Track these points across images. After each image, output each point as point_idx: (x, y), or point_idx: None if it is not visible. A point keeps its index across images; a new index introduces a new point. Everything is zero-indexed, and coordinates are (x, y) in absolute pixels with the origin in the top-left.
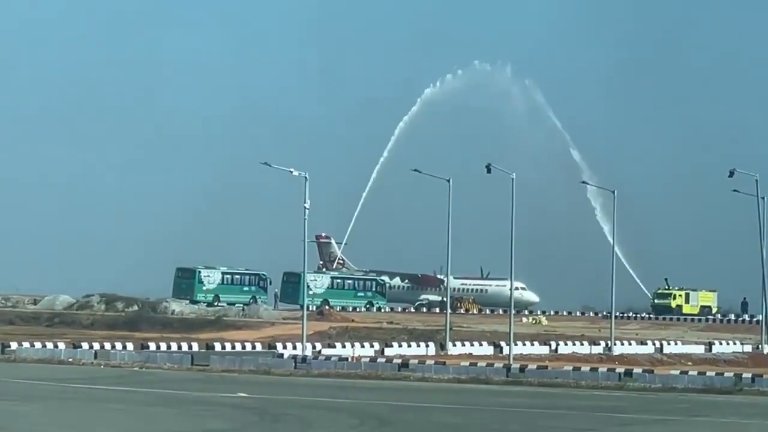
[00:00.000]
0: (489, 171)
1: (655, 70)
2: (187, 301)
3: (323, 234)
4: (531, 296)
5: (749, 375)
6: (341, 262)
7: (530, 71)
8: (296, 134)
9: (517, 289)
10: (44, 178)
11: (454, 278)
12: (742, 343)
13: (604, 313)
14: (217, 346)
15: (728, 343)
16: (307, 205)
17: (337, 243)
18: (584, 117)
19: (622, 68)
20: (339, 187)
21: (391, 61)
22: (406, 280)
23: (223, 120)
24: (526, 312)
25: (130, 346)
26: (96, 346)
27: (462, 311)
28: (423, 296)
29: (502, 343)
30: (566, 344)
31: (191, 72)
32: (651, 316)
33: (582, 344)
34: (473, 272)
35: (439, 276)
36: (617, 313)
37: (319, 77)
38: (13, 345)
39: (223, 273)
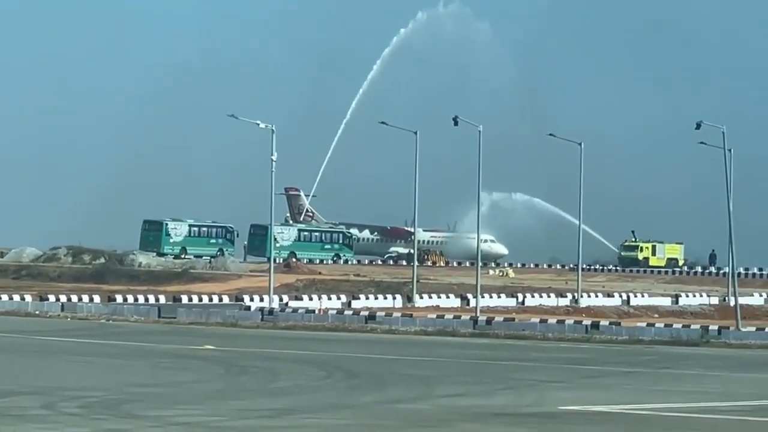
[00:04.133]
0: (456, 123)
1: (623, 20)
2: (154, 254)
3: (292, 186)
4: (500, 248)
5: (716, 327)
6: (310, 214)
7: (496, 18)
8: (263, 85)
9: (486, 241)
10: (9, 129)
11: (423, 231)
12: (708, 296)
13: (571, 266)
14: (184, 299)
15: (695, 296)
16: (274, 158)
17: (306, 195)
18: (550, 66)
19: (590, 18)
20: (309, 139)
21: (360, 8)
22: (376, 233)
23: (187, 70)
24: (493, 264)
25: (97, 298)
26: (63, 298)
27: (429, 264)
28: (392, 248)
29: (469, 296)
30: (533, 296)
31: (152, 22)
32: (618, 268)
33: (549, 296)
34: (447, 224)
35: (408, 228)
36: (584, 266)
37: (284, 27)
38: None
39: (190, 225)
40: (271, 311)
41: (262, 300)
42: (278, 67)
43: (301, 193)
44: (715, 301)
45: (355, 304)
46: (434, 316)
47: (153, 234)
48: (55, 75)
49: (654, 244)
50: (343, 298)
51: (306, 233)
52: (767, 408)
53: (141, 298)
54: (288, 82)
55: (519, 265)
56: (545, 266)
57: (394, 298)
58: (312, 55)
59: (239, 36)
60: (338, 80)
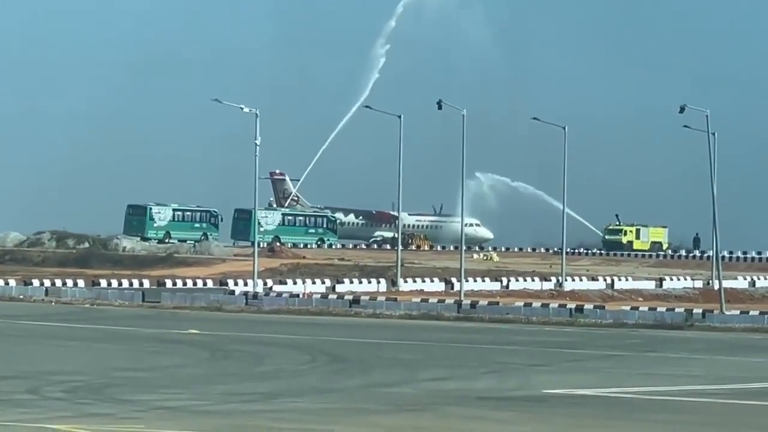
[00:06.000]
0: (440, 107)
1: (608, 4)
2: (138, 238)
3: (277, 171)
4: (485, 233)
5: (700, 310)
6: (295, 199)
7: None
8: (248, 69)
9: (471, 225)
10: None
11: (409, 215)
12: (692, 279)
13: (555, 249)
14: (168, 283)
15: (679, 279)
16: (257, 142)
17: (291, 180)
18: (534, 50)
19: (575, 1)
20: (293, 123)
21: None
22: (361, 217)
23: (170, 55)
24: (477, 248)
25: (81, 283)
26: (47, 283)
27: (413, 248)
28: (377, 233)
29: (453, 280)
30: (517, 280)
31: (135, 4)
32: (602, 252)
33: (533, 280)
34: (432, 207)
35: (393, 212)
36: (568, 250)
37: (269, 11)
38: None
39: (174, 210)
40: (255, 295)
41: (246, 284)
42: (262, 50)
43: (287, 178)
44: (699, 284)
45: (339, 288)
46: (419, 300)
47: (137, 218)
48: (36, 58)
49: (638, 227)
50: (328, 282)
51: (290, 218)
52: (752, 391)
53: (125, 283)
54: (272, 65)
55: (503, 249)
56: (529, 250)
57: (379, 283)
58: (296, 38)
59: (222, 19)
60: (323, 64)
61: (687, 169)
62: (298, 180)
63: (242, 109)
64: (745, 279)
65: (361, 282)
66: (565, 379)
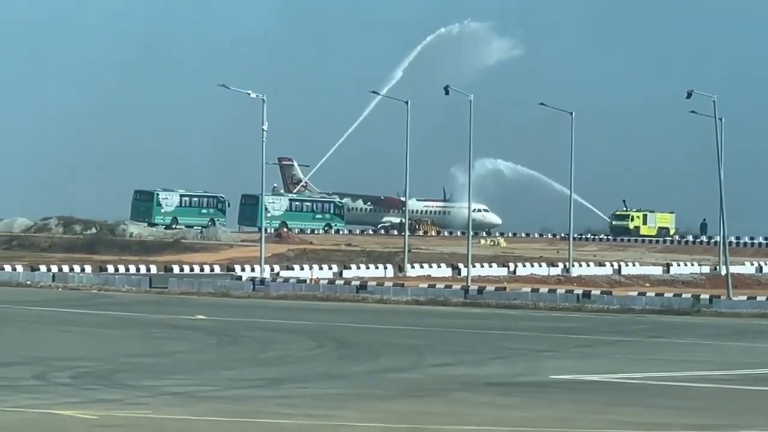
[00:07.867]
0: (447, 93)
1: None
2: (146, 224)
3: (285, 156)
4: (493, 218)
5: (707, 296)
6: (304, 185)
7: None
8: (255, 55)
9: (479, 211)
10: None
11: (417, 200)
12: (699, 265)
13: (563, 235)
14: (176, 269)
15: (686, 265)
16: (264, 128)
17: (299, 165)
18: (542, 35)
19: None
20: (301, 109)
21: None
22: (369, 203)
23: (177, 39)
24: (484, 234)
25: (88, 268)
26: (54, 268)
27: (420, 233)
28: (386, 218)
29: (461, 265)
30: (524, 266)
31: None
32: (609, 237)
33: (540, 266)
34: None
35: (401, 198)
36: (575, 235)
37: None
38: None
39: (182, 195)
40: (262, 281)
41: (253, 270)
42: (270, 36)
43: (294, 163)
44: (706, 270)
45: (346, 273)
46: (425, 285)
47: (144, 204)
48: (43, 44)
49: (645, 213)
50: (335, 267)
51: (297, 203)
52: (759, 376)
53: (132, 269)
54: (280, 51)
55: (510, 235)
56: (537, 235)
57: (386, 268)
58: (304, 24)
59: (230, 5)
60: (330, 49)
61: (694, 154)
62: (307, 165)
63: (249, 94)
64: (752, 264)
65: (368, 267)
66: (572, 364)
